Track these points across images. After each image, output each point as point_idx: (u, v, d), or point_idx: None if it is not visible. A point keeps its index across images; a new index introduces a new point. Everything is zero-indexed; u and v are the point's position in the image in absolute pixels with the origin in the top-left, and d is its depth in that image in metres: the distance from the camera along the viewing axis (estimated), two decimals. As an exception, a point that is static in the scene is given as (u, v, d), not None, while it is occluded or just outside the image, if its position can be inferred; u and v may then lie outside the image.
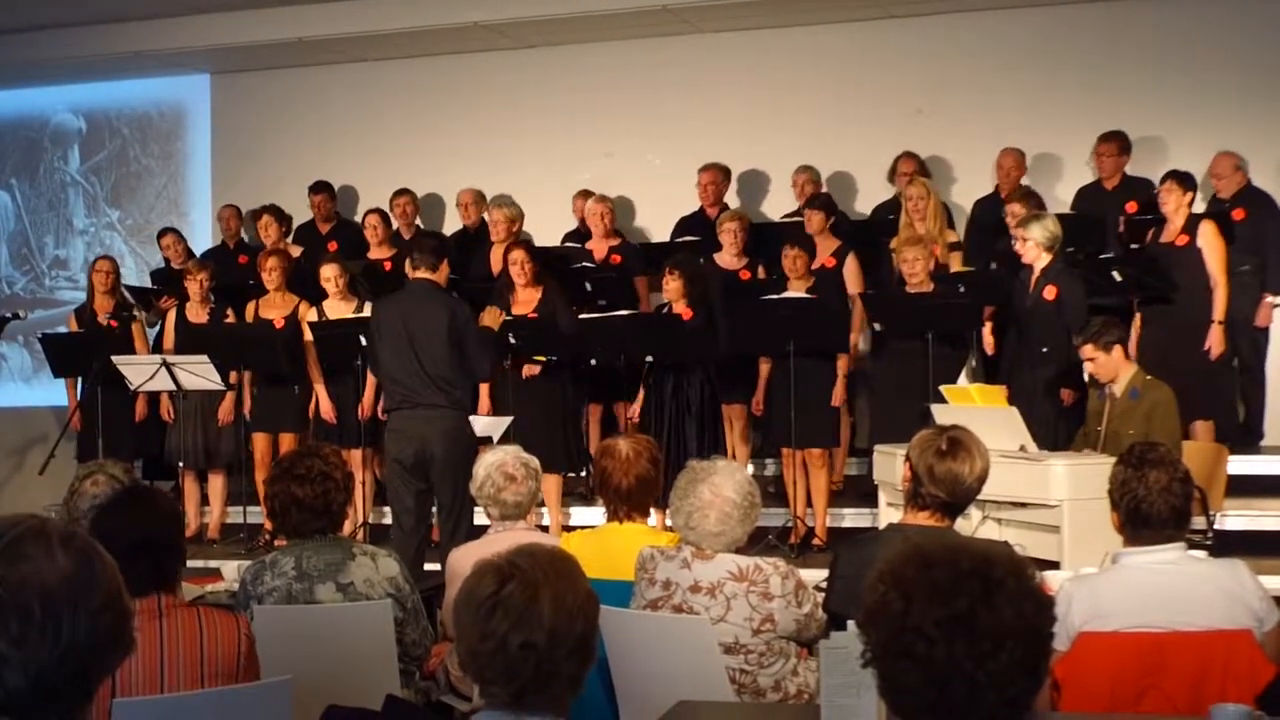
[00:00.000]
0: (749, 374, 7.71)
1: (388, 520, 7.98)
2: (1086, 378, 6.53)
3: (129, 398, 8.23)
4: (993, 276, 7.71)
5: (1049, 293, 6.87)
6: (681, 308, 7.42)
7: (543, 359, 7.58)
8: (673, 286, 7.42)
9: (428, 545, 6.63)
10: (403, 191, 9.51)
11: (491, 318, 6.97)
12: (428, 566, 6.30)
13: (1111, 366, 6.28)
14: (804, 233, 7.94)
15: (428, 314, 6.42)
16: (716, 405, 7.57)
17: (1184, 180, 7.33)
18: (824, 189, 8.78)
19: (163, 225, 9.96)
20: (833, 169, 9.29)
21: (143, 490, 3.66)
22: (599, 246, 8.52)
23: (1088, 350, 6.29)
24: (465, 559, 4.08)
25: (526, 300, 7.65)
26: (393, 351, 6.46)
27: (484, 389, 7.64)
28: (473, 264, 8.63)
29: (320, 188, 9.62)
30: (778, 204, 9.36)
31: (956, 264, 7.86)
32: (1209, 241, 7.21)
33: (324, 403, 8.00)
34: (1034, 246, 6.91)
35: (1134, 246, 7.72)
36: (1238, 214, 7.77)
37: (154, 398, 8.31)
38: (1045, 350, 6.90)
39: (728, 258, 8.03)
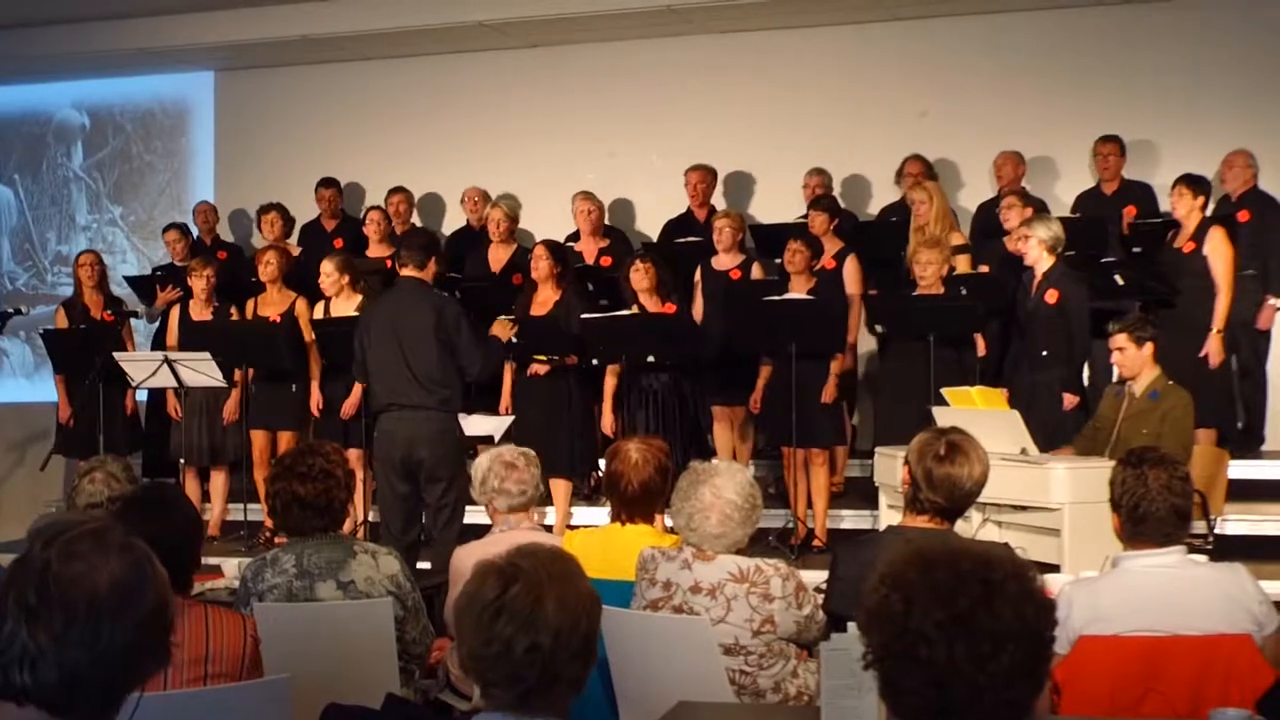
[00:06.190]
0: (746, 374, 7.67)
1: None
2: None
3: (123, 394, 8.21)
4: (995, 278, 7.70)
5: (1050, 296, 6.81)
6: (654, 302, 7.38)
7: (544, 358, 7.53)
8: (644, 280, 7.37)
9: (418, 546, 6.58)
10: (398, 189, 9.51)
11: (501, 329, 6.88)
12: (419, 565, 6.28)
13: (1139, 362, 6.21)
14: (810, 231, 7.92)
15: (414, 313, 6.36)
16: (699, 406, 7.53)
17: (1195, 184, 7.30)
18: (834, 192, 8.78)
19: (165, 222, 9.91)
20: (837, 171, 9.26)
21: (164, 492, 3.62)
22: (587, 247, 8.52)
23: (1120, 339, 6.19)
24: (467, 558, 4.08)
25: (544, 300, 7.59)
26: (380, 352, 6.41)
27: (506, 390, 7.61)
28: (471, 262, 8.63)
29: (328, 183, 9.61)
30: (780, 205, 9.34)
31: (964, 266, 7.81)
32: (1216, 248, 7.21)
33: (313, 397, 7.97)
34: (1037, 245, 6.83)
35: (1136, 250, 7.71)
36: (1242, 216, 7.76)
37: (152, 394, 8.28)
38: (1045, 354, 6.85)
39: (722, 257, 8.02)
